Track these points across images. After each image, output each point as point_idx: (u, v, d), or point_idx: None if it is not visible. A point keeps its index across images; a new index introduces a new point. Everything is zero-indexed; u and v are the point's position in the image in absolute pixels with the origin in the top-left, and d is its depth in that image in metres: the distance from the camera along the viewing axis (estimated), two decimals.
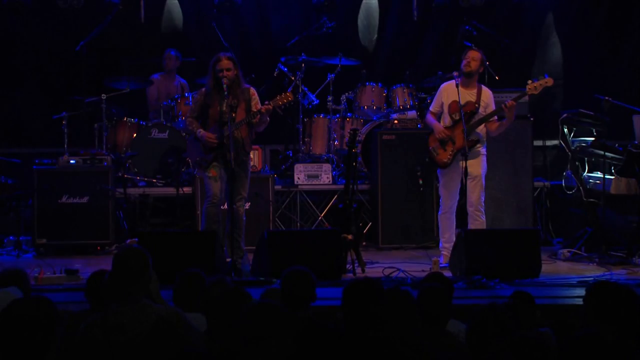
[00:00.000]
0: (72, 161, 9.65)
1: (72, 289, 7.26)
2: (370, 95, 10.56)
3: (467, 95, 8.46)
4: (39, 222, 9.45)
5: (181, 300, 5.07)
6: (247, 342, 3.66)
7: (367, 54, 11.68)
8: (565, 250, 9.13)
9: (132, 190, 9.98)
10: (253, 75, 9.94)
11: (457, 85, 8.37)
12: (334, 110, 10.54)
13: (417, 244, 9.71)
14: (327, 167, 10.25)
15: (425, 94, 10.54)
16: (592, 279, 7.71)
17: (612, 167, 9.26)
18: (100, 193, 9.51)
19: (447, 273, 7.74)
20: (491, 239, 8.01)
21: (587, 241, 9.15)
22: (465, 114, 8.36)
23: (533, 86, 8.43)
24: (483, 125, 8.47)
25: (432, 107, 8.70)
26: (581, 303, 4.34)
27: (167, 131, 10.26)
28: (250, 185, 8.47)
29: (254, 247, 8.15)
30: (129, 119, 10.37)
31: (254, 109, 8.22)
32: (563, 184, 9.90)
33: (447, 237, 8.54)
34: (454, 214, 8.54)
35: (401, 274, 7.95)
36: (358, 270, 8.17)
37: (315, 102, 10.57)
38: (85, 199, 9.53)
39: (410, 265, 8.42)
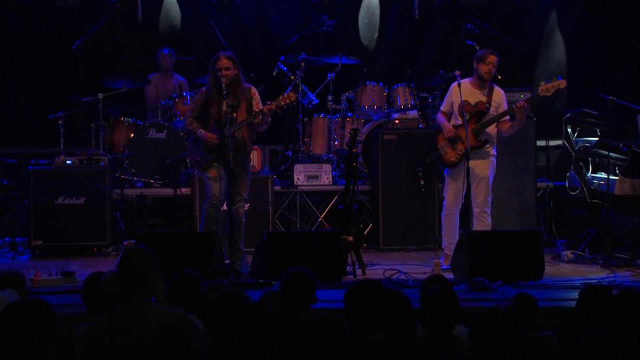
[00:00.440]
0: (68, 161, 9.56)
1: (69, 292, 7.18)
2: (370, 95, 10.52)
3: (479, 95, 8.44)
4: (35, 223, 9.37)
5: (175, 301, 4.96)
6: (239, 345, 3.63)
7: (368, 52, 11.64)
8: (568, 252, 9.07)
9: (129, 191, 9.93)
10: (252, 75, 9.86)
11: (459, 85, 8.34)
12: (334, 110, 10.49)
13: (418, 246, 9.64)
14: (327, 167, 10.17)
15: (427, 93, 10.52)
16: (595, 281, 7.67)
17: (617, 168, 9.18)
18: (97, 194, 9.43)
19: (449, 275, 7.71)
20: (494, 241, 7.95)
21: (591, 243, 9.10)
22: (475, 114, 8.33)
23: (545, 87, 8.37)
24: (494, 125, 8.42)
25: (443, 107, 8.68)
26: None
27: (165, 131, 10.18)
28: (250, 186, 8.40)
29: (253, 249, 8.08)
30: (126, 118, 10.32)
31: (255, 109, 8.15)
32: (566, 185, 9.80)
33: (450, 239, 8.48)
34: (457, 215, 8.49)
35: (402, 276, 7.90)
36: (358, 272, 8.12)
37: (315, 101, 10.52)
38: (81, 200, 9.45)
39: (412, 267, 8.38)
